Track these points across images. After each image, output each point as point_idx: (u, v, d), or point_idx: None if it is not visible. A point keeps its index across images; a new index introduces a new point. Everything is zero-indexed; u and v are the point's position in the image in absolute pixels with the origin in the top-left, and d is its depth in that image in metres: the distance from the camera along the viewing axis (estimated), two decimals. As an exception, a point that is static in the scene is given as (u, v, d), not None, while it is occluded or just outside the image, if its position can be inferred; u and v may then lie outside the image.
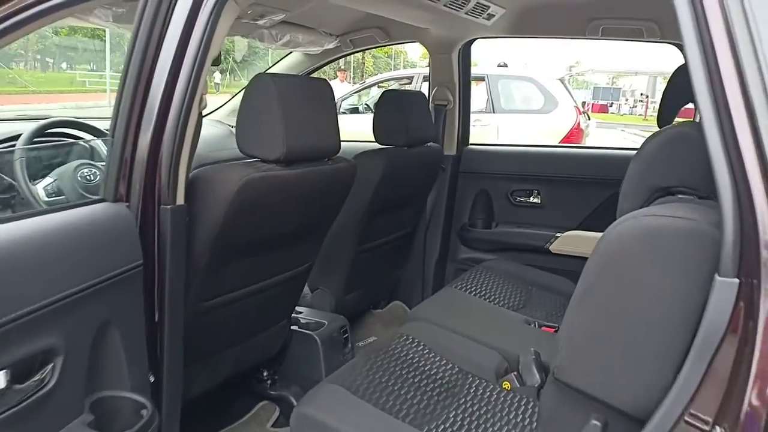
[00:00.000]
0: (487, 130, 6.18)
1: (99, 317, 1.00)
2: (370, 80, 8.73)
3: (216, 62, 2.32)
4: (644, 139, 1.89)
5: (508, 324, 1.87)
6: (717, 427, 0.74)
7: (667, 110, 1.73)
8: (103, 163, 1.85)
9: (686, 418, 0.79)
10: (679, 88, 1.70)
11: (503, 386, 1.51)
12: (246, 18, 1.94)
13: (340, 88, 9.20)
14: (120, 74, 1.13)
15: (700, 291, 0.83)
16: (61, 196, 1.82)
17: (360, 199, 2.02)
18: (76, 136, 2.02)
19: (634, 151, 2.58)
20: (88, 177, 1.85)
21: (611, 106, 25.62)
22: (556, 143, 6.33)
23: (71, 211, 1.05)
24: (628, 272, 0.89)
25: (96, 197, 1.13)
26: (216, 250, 1.34)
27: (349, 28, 2.42)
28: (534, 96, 6.67)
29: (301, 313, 2.09)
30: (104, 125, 2.04)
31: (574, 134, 6.52)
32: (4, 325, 0.83)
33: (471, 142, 2.66)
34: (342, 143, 1.56)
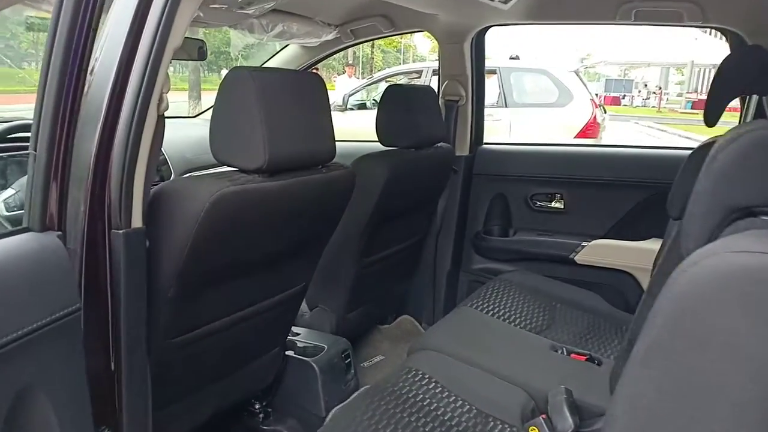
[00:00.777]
0: (499, 125, 5.96)
1: (15, 384, 0.78)
2: (377, 75, 8.50)
3: (201, 56, 2.12)
4: (698, 144, 1.66)
5: (532, 352, 1.63)
6: None
7: (715, 106, 1.48)
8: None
9: None
10: (729, 80, 1.46)
11: (530, 433, 1.28)
12: (231, 5, 1.72)
13: (349, 83, 8.98)
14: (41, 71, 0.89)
15: None
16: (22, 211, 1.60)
17: (362, 209, 1.79)
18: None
19: (670, 150, 2.35)
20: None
21: (623, 98, 25.19)
22: (572, 138, 6.10)
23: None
24: (710, 327, 0.66)
25: (19, 227, 0.90)
26: (185, 279, 1.12)
27: (348, 17, 2.19)
28: (548, 89, 6.44)
29: (298, 335, 1.88)
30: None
31: (591, 128, 6.29)
32: None
33: (485, 140, 2.42)
34: (344, 143, 1.34)
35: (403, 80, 7.22)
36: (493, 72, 6.17)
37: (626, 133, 12.75)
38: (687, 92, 22.25)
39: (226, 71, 1.23)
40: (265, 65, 2.53)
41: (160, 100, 1.02)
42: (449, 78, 2.24)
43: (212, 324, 1.29)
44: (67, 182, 0.90)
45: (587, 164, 2.22)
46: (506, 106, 6.19)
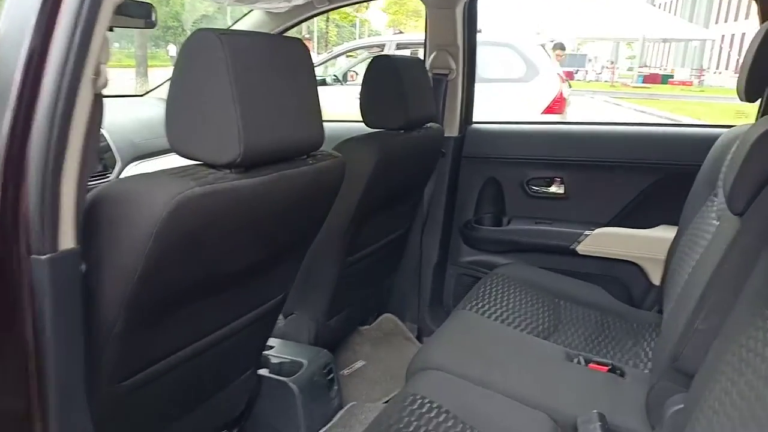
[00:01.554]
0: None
1: None
2: (337, 49, 8.14)
3: (149, 22, 1.80)
4: (736, 128, 1.47)
5: (547, 364, 1.43)
6: None
7: (758, 79, 1.29)
8: None
9: None
10: None
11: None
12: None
13: (306, 58, 8.60)
14: None
15: None
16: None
17: (346, 202, 1.54)
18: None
19: (680, 128, 2.16)
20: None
21: (577, 72, 25.46)
22: (538, 114, 5.96)
23: None
24: None
25: None
26: (136, 309, 0.86)
27: (323, -23, 1.91)
28: (514, 63, 6.25)
29: (272, 347, 1.63)
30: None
31: (558, 103, 6.17)
32: None
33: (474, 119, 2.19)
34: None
35: (364, 54, 6.91)
36: (455, 45, 5.95)
37: (585, 106, 12.79)
38: (638, 67, 22.61)
39: (175, 47, 0.95)
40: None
41: (97, 73, 0.74)
42: (437, 48, 1.98)
43: (171, 357, 1.03)
44: None
45: (590, 145, 2.01)
46: (471, 81, 5.99)
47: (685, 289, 1.33)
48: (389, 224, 1.89)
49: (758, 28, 1.36)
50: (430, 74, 2.00)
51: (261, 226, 1.03)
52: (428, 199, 2.10)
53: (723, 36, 24.95)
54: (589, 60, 26.95)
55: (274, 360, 1.59)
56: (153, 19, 1.74)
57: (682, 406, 1.08)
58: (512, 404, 1.25)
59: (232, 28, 2.26)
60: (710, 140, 1.58)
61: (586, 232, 1.96)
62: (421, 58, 2.02)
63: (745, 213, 1.06)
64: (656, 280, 1.88)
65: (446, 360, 1.39)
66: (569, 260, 2.00)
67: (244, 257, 1.05)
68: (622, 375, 1.41)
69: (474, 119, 2.20)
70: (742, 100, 1.37)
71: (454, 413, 1.18)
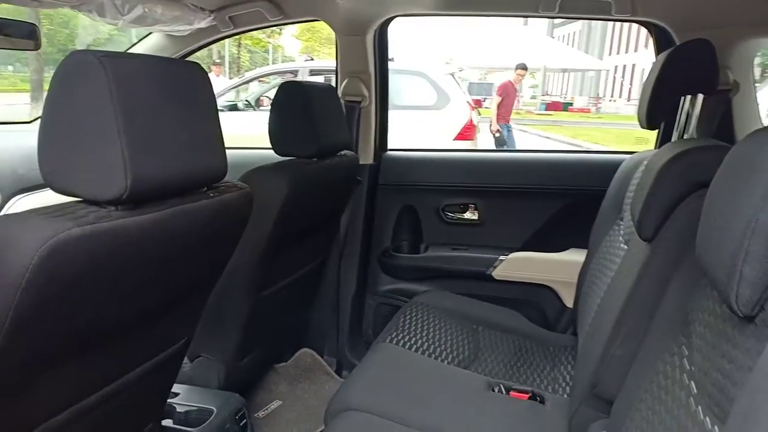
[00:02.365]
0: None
1: None
2: (249, 74, 8.00)
3: (34, 44, 1.66)
4: (638, 156, 1.52)
5: (470, 396, 1.40)
6: None
7: (658, 105, 1.35)
8: None
9: None
10: (671, 78, 1.32)
11: None
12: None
13: (217, 83, 8.41)
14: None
15: None
16: None
17: (256, 235, 1.45)
18: None
19: (587, 155, 2.24)
20: None
21: (485, 101, 26.51)
22: (450, 140, 6.10)
23: None
24: None
25: None
26: (1, 369, 0.73)
27: (228, 1, 1.82)
28: (426, 91, 6.39)
29: (177, 395, 1.49)
30: None
31: (468, 130, 6.35)
32: None
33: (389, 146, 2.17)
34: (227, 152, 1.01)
35: (277, 80, 6.83)
36: (367, 73, 6.01)
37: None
38: (541, 95, 23.91)
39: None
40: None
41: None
42: (349, 75, 1.95)
43: (49, 422, 0.89)
44: None
45: (502, 171, 2.05)
46: (383, 109, 6.06)
47: (599, 313, 1.35)
48: (304, 256, 1.82)
49: (654, 60, 1.42)
50: (342, 101, 1.96)
51: (154, 269, 0.93)
52: (345, 228, 2.05)
53: (616, 66, 26.94)
54: (495, 89, 28.16)
55: (179, 409, 1.46)
56: (37, 39, 1.60)
57: None
58: None
59: (128, 51, 2.12)
60: (614, 165, 1.65)
61: (501, 257, 1.98)
62: (333, 84, 1.99)
63: (654, 239, 1.08)
64: (569, 302, 1.92)
65: (366, 399, 1.32)
66: (486, 285, 2.01)
67: (135, 304, 0.94)
68: (542, 402, 1.41)
69: (389, 146, 2.18)
70: (643, 128, 1.42)
71: None
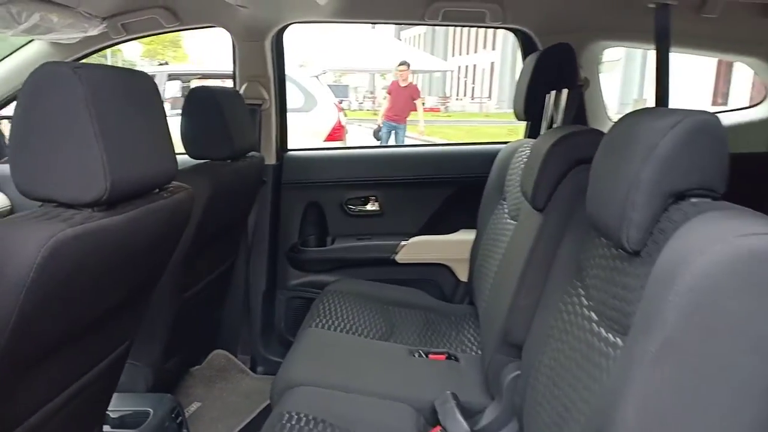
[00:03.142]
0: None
1: None
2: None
3: None
4: (518, 142, 1.76)
5: (395, 362, 1.58)
6: None
7: (533, 99, 1.61)
8: None
9: None
10: (542, 76, 1.59)
11: (434, 449, 1.22)
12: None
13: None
14: None
15: None
16: None
17: (184, 234, 1.50)
18: None
19: (468, 147, 2.51)
20: None
21: (341, 102, 26.87)
22: (321, 142, 6.24)
23: None
24: (724, 314, 0.66)
25: None
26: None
27: (121, 8, 1.81)
28: (293, 94, 6.46)
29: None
30: None
31: (337, 131, 6.49)
32: None
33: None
34: None
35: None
36: (230, 77, 5.95)
37: (356, 133, 13.62)
38: (394, 96, 24.73)
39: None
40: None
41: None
42: (249, 80, 2.02)
43: (24, 425, 0.91)
44: None
45: (396, 165, 2.24)
46: (251, 112, 6.03)
47: (499, 277, 1.58)
48: (219, 256, 1.87)
49: (526, 61, 1.68)
50: (244, 105, 2.03)
51: (123, 266, 0.98)
52: (252, 227, 2.12)
53: (459, 67, 28.75)
54: (355, 88, 28.69)
55: (113, 415, 1.46)
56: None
57: (518, 372, 1.29)
58: (377, 402, 1.36)
59: (3, 61, 2.00)
60: (492, 154, 1.91)
61: (402, 243, 2.18)
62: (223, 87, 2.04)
63: (545, 208, 1.32)
64: (463, 277, 2.17)
65: (307, 375, 1.44)
66: (391, 269, 2.19)
67: (104, 301, 0.98)
68: (457, 360, 1.62)
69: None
70: (520, 120, 1.69)
71: (330, 421, 1.24)
